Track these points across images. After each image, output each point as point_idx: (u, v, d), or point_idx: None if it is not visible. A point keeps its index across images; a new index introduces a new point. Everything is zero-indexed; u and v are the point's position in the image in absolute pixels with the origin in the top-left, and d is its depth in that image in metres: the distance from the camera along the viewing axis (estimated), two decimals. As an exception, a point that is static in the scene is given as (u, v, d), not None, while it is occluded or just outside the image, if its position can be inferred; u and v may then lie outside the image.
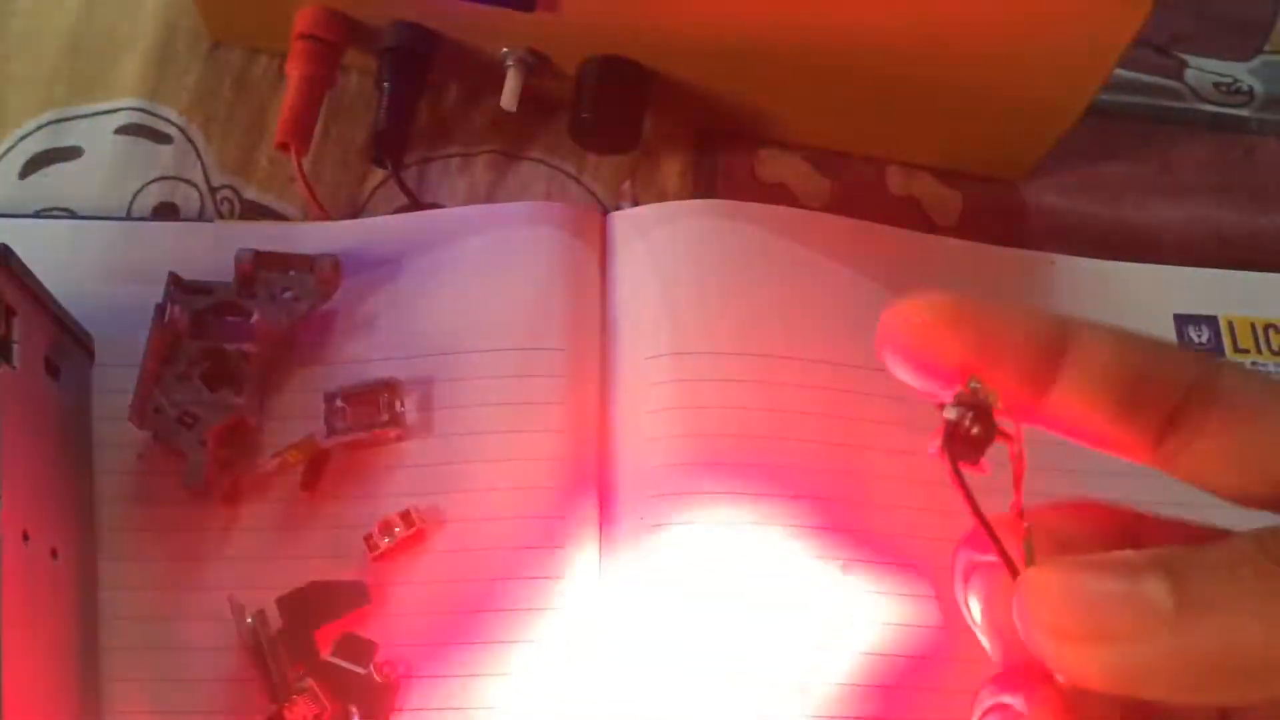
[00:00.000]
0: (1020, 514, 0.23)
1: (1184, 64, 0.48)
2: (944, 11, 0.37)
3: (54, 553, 0.33)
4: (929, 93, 0.41)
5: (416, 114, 0.42)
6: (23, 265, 0.34)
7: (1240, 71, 0.49)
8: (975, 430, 0.22)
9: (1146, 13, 0.36)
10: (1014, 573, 0.22)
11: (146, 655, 0.35)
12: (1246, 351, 0.42)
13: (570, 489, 0.36)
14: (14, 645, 0.30)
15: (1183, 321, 0.42)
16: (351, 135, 0.43)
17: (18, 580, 0.31)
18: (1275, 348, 0.42)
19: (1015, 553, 0.22)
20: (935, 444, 0.23)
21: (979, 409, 0.22)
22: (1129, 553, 0.21)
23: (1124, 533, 0.24)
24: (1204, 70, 0.48)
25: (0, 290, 0.33)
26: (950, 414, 0.23)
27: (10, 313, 0.33)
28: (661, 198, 0.43)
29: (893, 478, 0.37)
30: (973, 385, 0.22)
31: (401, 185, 0.42)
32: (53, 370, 0.35)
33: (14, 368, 0.32)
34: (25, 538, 0.31)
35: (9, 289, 0.33)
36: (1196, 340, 0.42)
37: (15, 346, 0.33)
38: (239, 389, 0.37)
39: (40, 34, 0.44)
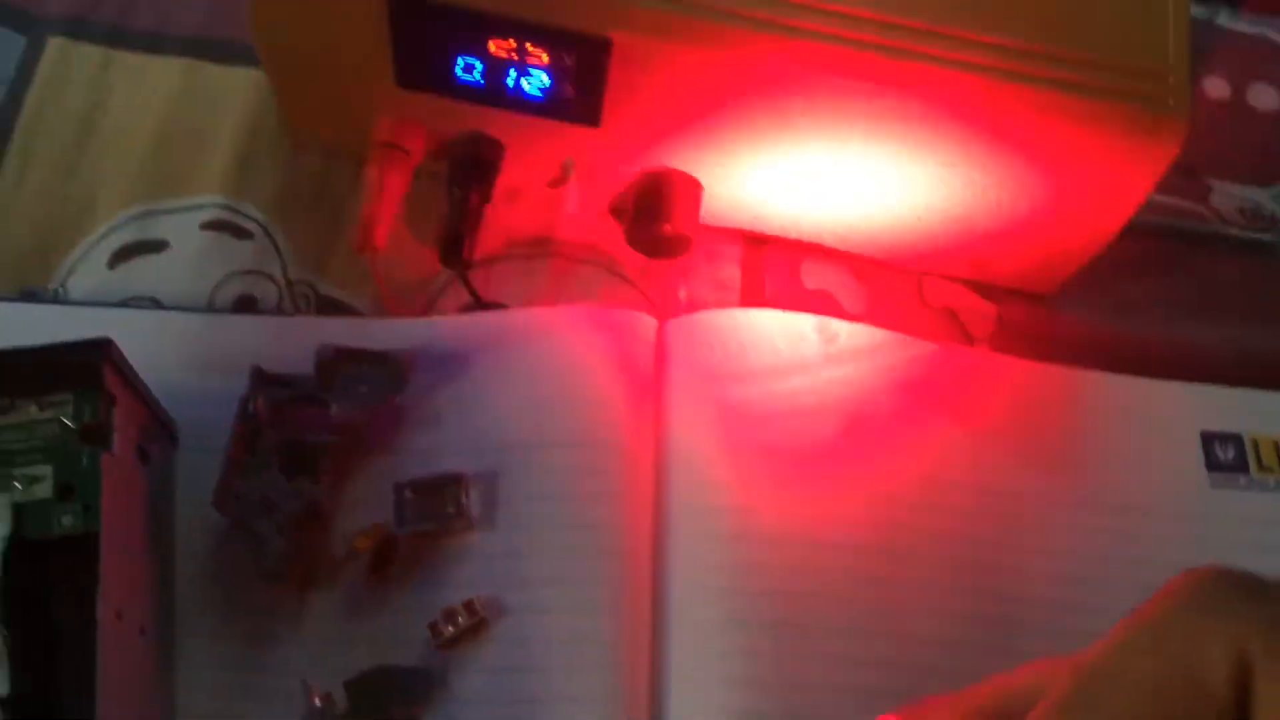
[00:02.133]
0: None
1: (1209, 188, 0.51)
2: (984, 150, 0.40)
3: (142, 630, 0.35)
4: (971, 216, 0.43)
5: (483, 218, 0.45)
6: (122, 356, 0.36)
7: (1264, 197, 0.51)
8: None
9: (1174, 152, 0.39)
10: None
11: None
12: (1270, 470, 0.43)
13: (626, 582, 0.38)
14: (108, 715, 0.32)
15: (1209, 439, 0.44)
16: (422, 236, 0.46)
17: (113, 655, 0.32)
18: (1298, 466, 0.44)
19: None
20: None
21: None
22: None
23: None
24: (1228, 195, 0.51)
25: (104, 380, 0.35)
26: None
27: (111, 402, 0.35)
28: (712, 302, 0.45)
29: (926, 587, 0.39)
30: None
31: (468, 286, 0.44)
32: (143, 456, 0.37)
33: (114, 454, 0.35)
34: (119, 615, 0.33)
35: (110, 378, 0.35)
36: (1222, 457, 0.43)
37: (114, 434, 0.35)
38: (315, 478, 0.39)
39: (130, 132, 0.47)
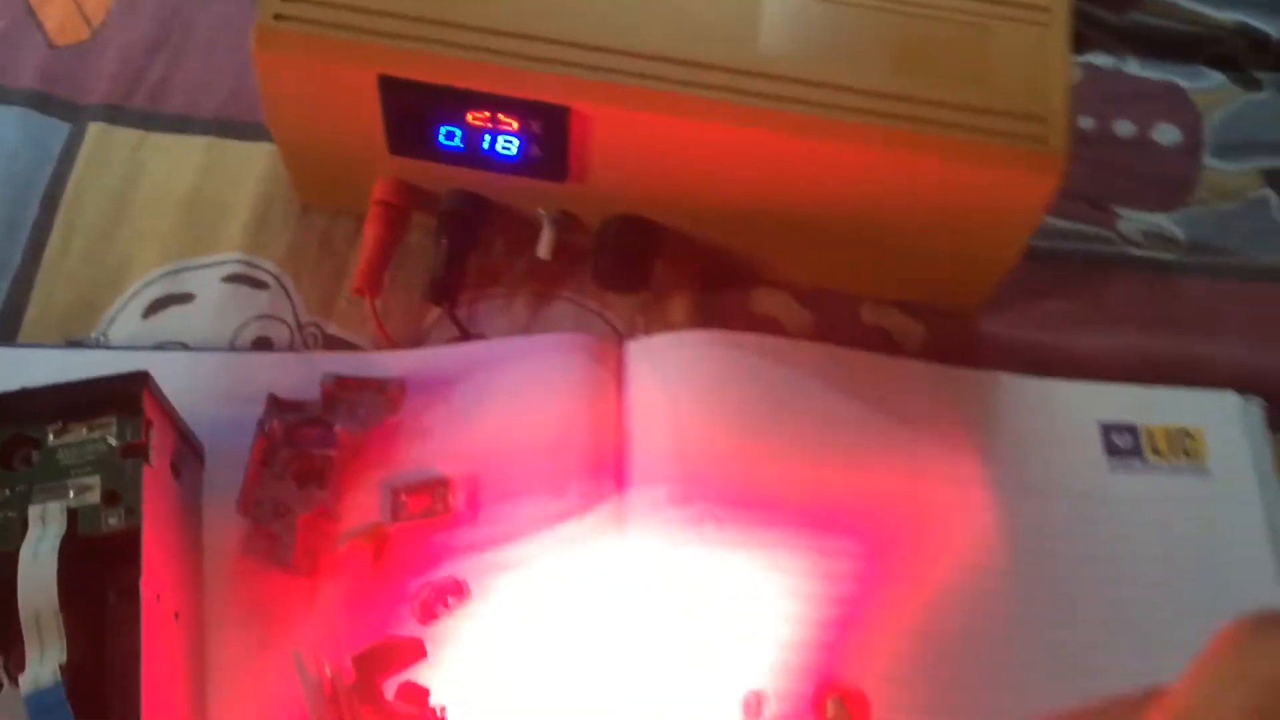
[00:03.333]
0: None
1: (1117, 215, 0.57)
2: (893, 189, 0.46)
3: (176, 615, 0.41)
4: (890, 245, 0.50)
5: (467, 263, 0.51)
6: (157, 387, 0.43)
7: (1166, 221, 0.57)
8: None
9: (1054, 185, 0.45)
10: None
11: (242, 701, 0.42)
12: (1161, 454, 0.49)
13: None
14: (151, 686, 0.38)
15: (1107, 429, 0.49)
16: (414, 280, 0.52)
17: (153, 634, 0.39)
18: (1188, 451, 0.49)
19: None
20: None
21: None
22: None
23: None
24: (1134, 220, 0.57)
25: (142, 405, 0.42)
26: None
27: (149, 424, 0.42)
28: (670, 329, 0.52)
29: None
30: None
31: (455, 321, 0.51)
32: (176, 471, 0.44)
33: (152, 466, 0.41)
34: (158, 599, 0.40)
35: (148, 404, 0.42)
36: (1120, 445, 0.49)
37: (151, 451, 0.42)
38: (322, 485, 0.45)
39: (161, 201, 0.54)
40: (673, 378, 0.49)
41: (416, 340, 0.51)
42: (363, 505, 0.46)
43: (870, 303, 0.54)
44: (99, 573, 0.40)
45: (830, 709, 0.42)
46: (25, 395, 0.42)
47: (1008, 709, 0.43)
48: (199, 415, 0.46)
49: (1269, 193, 0.57)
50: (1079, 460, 0.49)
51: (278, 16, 0.45)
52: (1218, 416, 0.50)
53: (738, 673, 0.43)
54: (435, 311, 0.52)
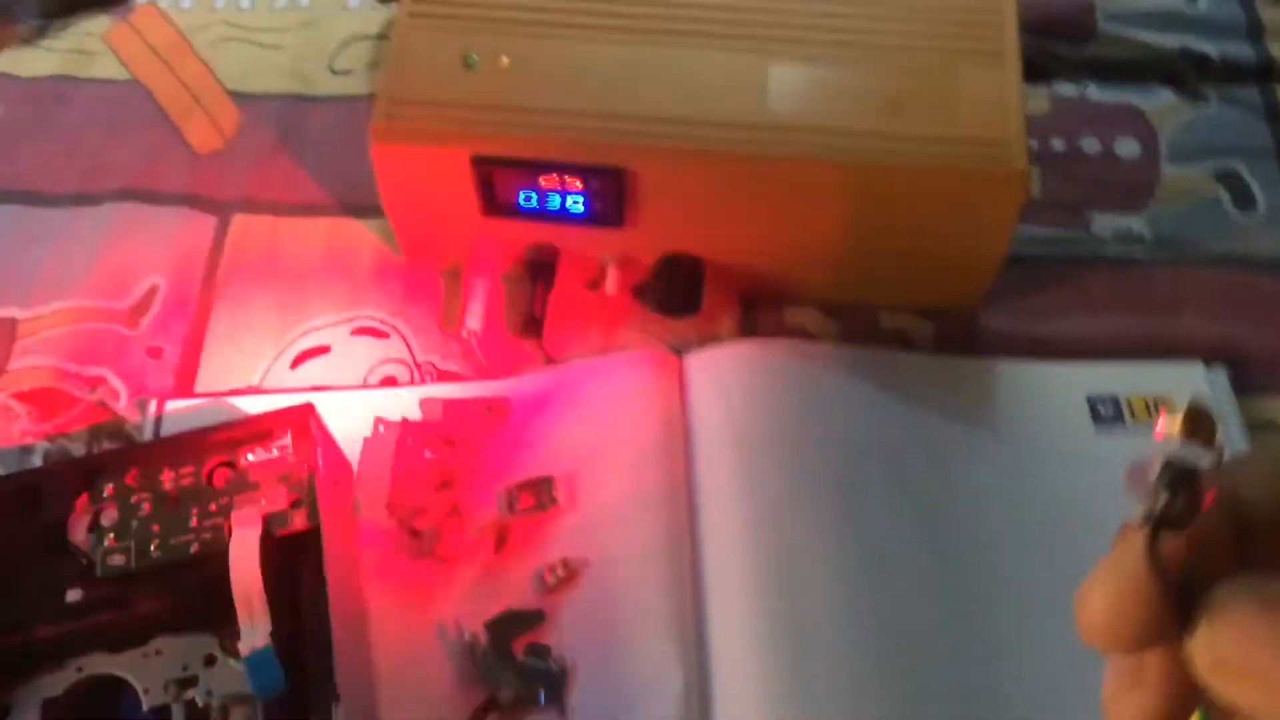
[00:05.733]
0: None
1: (1090, 220, 0.67)
2: (891, 212, 0.57)
3: (348, 595, 0.52)
4: (895, 259, 0.60)
5: (550, 301, 0.62)
6: (317, 415, 0.54)
7: (1135, 222, 0.67)
8: (1180, 507, 0.23)
9: (1021, 195, 0.55)
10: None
11: (399, 663, 0.53)
12: (1140, 419, 0.58)
13: (672, 541, 0.55)
14: (337, 649, 0.48)
15: (1093, 400, 0.59)
16: (506, 319, 0.63)
17: (336, 608, 0.49)
18: (1161, 412, 0.59)
19: None
20: (1137, 519, 0.24)
21: (1184, 479, 0.23)
22: None
23: None
24: (1105, 223, 0.66)
25: (311, 430, 0.53)
26: (1161, 497, 0.23)
27: (315, 444, 0.53)
28: (719, 344, 0.62)
29: (887, 513, 0.55)
30: (1173, 453, 0.23)
31: (542, 349, 0.62)
32: (336, 482, 0.55)
33: (321, 477, 0.52)
34: (334, 582, 0.50)
35: (314, 429, 0.53)
36: (1104, 413, 0.59)
37: (320, 464, 0.53)
38: (452, 489, 0.56)
39: (297, 272, 0.65)
40: (725, 381, 0.59)
41: (512, 368, 0.62)
42: (485, 503, 0.56)
43: (886, 310, 0.64)
44: (290, 562, 0.51)
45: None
46: (222, 429, 0.53)
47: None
48: (346, 440, 0.57)
49: (1220, 190, 0.67)
50: (1070, 428, 0.58)
51: (389, 117, 0.57)
52: (1186, 383, 0.59)
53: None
54: (526, 343, 0.63)
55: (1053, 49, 0.72)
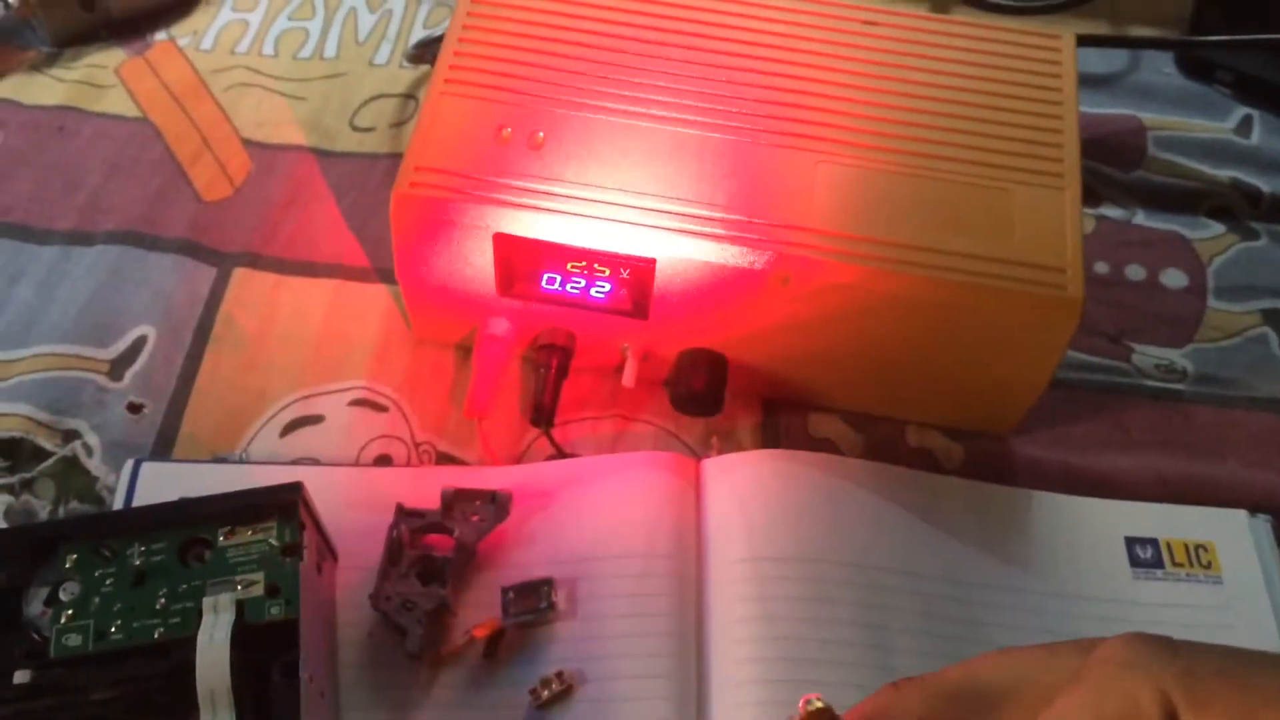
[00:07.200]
0: None
1: (1131, 350, 0.64)
2: (932, 328, 0.54)
3: (323, 693, 0.48)
4: (930, 376, 0.57)
5: (562, 390, 0.59)
6: (308, 496, 0.50)
7: (1176, 356, 0.64)
8: None
9: (1073, 325, 0.52)
10: None
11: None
12: (1181, 565, 0.55)
13: (678, 655, 0.51)
14: (307, 752, 0.44)
15: (1131, 542, 0.56)
16: (516, 405, 0.60)
17: (309, 708, 0.45)
18: (1204, 563, 0.55)
19: None
20: None
21: None
22: None
23: None
24: (1147, 355, 0.64)
25: (299, 511, 0.49)
26: None
27: (303, 528, 0.49)
28: (738, 449, 0.59)
29: (914, 653, 0.51)
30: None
31: (552, 441, 0.58)
32: (319, 568, 0.51)
33: (305, 564, 0.48)
34: (311, 679, 0.46)
35: (302, 511, 0.49)
36: (1142, 556, 0.55)
37: (305, 550, 0.49)
38: (443, 584, 0.52)
39: (295, 335, 0.62)
40: (744, 491, 0.55)
41: (517, 457, 0.59)
42: (478, 602, 0.52)
43: (914, 426, 0.61)
44: (263, 655, 0.46)
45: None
46: (200, 503, 0.49)
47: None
48: (330, 521, 0.53)
49: (1268, 330, 0.64)
50: (1106, 570, 0.55)
51: (413, 185, 0.54)
52: (1229, 532, 0.56)
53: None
54: (533, 432, 0.59)
55: (1101, 171, 0.70)
